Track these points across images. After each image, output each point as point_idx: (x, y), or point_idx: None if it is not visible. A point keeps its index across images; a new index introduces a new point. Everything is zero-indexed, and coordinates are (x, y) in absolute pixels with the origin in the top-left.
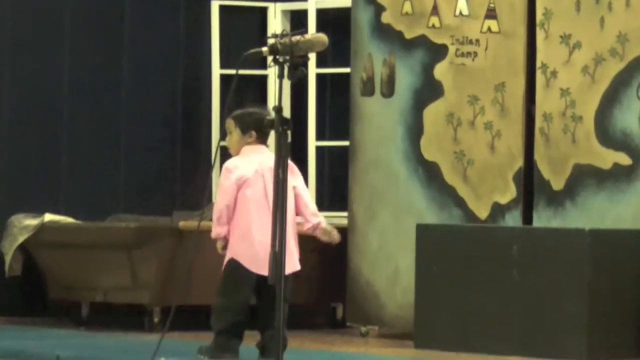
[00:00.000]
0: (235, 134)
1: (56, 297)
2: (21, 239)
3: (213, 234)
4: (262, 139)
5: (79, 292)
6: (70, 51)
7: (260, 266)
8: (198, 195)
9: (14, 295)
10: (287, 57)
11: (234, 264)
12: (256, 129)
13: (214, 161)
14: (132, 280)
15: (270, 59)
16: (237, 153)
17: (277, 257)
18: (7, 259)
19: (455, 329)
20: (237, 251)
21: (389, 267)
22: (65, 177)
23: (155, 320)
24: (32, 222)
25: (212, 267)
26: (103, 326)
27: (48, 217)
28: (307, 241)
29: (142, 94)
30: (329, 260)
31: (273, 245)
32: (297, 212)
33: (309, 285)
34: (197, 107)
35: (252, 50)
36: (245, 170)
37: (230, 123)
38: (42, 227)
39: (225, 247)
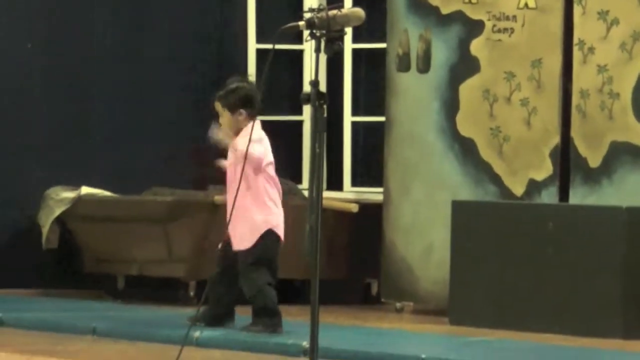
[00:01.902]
0: (225, 115)
1: (92, 270)
2: (58, 211)
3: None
4: (252, 115)
5: (115, 265)
6: (104, 23)
7: (282, 234)
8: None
9: (50, 268)
10: (324, 32)
11: (274, 236)
12: (244, 106)
13: (250, 134)
14: (168, 254)
15: (306, 33)
16: (236, 133)
17: (314, 230)
18: (44, 231)
19: (489, 306)
20: (273, 222)
21: (423, 242)
22: (101, 150)
23: (191, 293)
24: (68, 195)
25: None
26: (138, 299)
27: (85, 190)
28: (341, 217)
29: (178, 67)
30: (363, 235)
31: (309, 220)
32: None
33: (343, 261)
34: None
35: (289, 25)
36: (269, 146)
37: (217, 105)
38: (79, 200)
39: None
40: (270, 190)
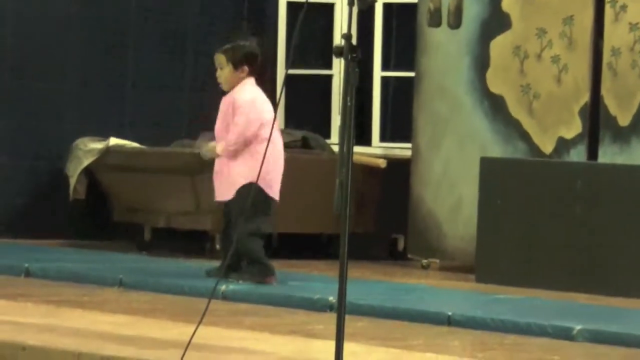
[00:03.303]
0: (227, 69)
1: (119, 221)
2: (86, 162)
3: (233, 149)
4: (253, 72)
5: (142, 217)
6: None
7: (273, 191)
8: None
9: (78, 218)
10: None
11: (257, 189)
12: (248, 63)
13: (282, 89)
14: (195, 206)
15: None
16: (231, 87)
17: (344, 186)
18: (72, 181)
19: (516, 264)
20: (253, 176)
21: (451, 197)
22: (130, 101)
23: (217, 246)
24: (97, 145)
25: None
26: (165, 251)
27: (113, 141)
28: (369, 172)
29: (209, 20)
30: (391, 191)
31: (339, 175)
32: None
33: (370, 216)
34: (263, 36)
35: None
36: (266, 106)
37: (221, 58)
38: (107, 151)
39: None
40: (257, 146)
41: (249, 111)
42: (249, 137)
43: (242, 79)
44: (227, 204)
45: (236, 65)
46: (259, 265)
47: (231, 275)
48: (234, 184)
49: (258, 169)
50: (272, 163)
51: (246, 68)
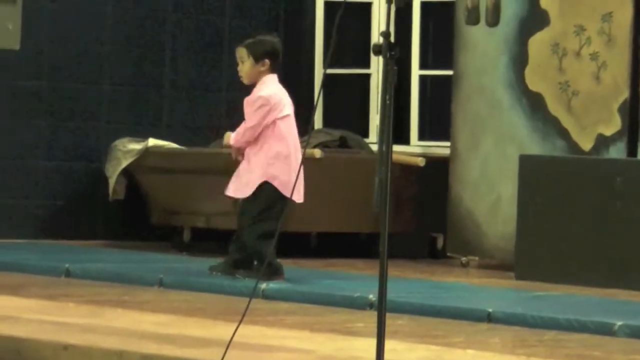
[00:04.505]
0: (248, 62)
1: (158, 221)
2: (125, 163)
3: (243, 141)
4: (274, 67)
5: (181, 217)
6: None
7: (289, 190)
8: (301, 123)
9: (117, 219)
10: None
11: (270, 189)
12: (269, 57)
13: (320, 88)
14: (234, 206)
15: None
16: (251, 82)
17: (383, 185)
18: (111, 182)
19: (556, 261)
20: (275, 175)
21: (490, 196)
22: (168, 101)
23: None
24: (136, 146)
25: (313, 194)
26: (204, 251)
27: (152, 141)
28: (408, 170)
29: (247, 19)
30: (429, 189)
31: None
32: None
33: (409, 215)
34: (300, 35)
35: None
36: (284, 100)
37: (242, 51)
38: (146, 152)
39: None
40: (272, 143)
41: (264, 105)
42: (258, 130)
43: (263, 73)
44: (241, 204)
45: (257, 59)
46: (267, 266)
47: (238, 272)
48: (248, 184)
49: (272, 168)
50: (287, 161)
51: (267, 62)
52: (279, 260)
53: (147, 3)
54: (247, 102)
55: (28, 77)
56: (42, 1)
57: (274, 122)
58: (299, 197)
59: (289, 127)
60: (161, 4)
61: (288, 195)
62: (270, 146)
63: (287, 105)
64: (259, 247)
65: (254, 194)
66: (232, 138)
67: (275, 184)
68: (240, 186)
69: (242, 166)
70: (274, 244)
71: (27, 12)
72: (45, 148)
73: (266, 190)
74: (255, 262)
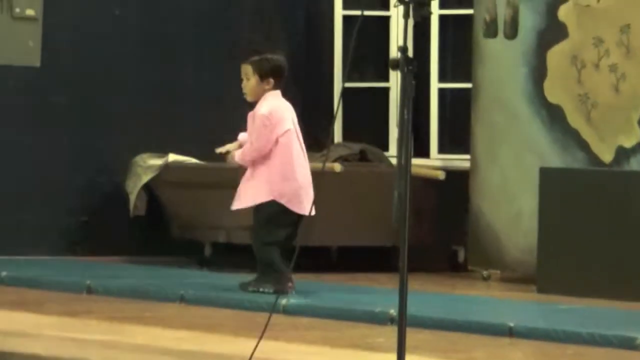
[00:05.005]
0: (253, 79)
1: (179, 237)
2: (145, 178)
3: (248, 160)
4: (278, 85)
5: (202, 232)
6: None
7: (295, 205)
8: (321, 136)
9: (138, 235)
10: None
11: (276, 203)
12: (274, 76)
13: (339, 102)
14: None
15: None
16: (255, 99)
17: (403, 198)
18: (132, 198)
19: (578, 274)
20: (282, 193)
21: (511, 208)
22: (189, 116)
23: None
24: (156, 161)
25: (333, 208)
26: (225, 266)
27: (172, 157)
28: (428, 184)
29: (265, 33)
30: (449, 202)
31: (398, 187)
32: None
33: (429, 228)
34: (318, 48)
35: None
36: (285, 116)
37: (247, 68)
38: (166, 167)
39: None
40: (277, 162)
41: (266, 124)
42: (264, 151)
43: (267, 91)
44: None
45: (262, 76)
46: (274, 274)
47: (250, 286)
48: (252, 197)
49: (276, 184)
50: (293, 177)
51: (271, 80)
52: (294, 274)
53: (168, 17)
54: (250, 117)
55: (49, 93)
56: (62, 17)
57: (276, 139)
58: (308, 210)
59: (291, 142)
60: (182, 19)
61: (295, 210)
62: (274, 163)
63: (287, 120)
64: (262, 255)
65: (257, 208)
66: (237, 156)
67: (283, 201)
68: (244, 200)
69: (246, 181)
70: (279, 252)
71: (47, 28)
72: (65, 163)
73: (271, 203)
74: (261, 270)
